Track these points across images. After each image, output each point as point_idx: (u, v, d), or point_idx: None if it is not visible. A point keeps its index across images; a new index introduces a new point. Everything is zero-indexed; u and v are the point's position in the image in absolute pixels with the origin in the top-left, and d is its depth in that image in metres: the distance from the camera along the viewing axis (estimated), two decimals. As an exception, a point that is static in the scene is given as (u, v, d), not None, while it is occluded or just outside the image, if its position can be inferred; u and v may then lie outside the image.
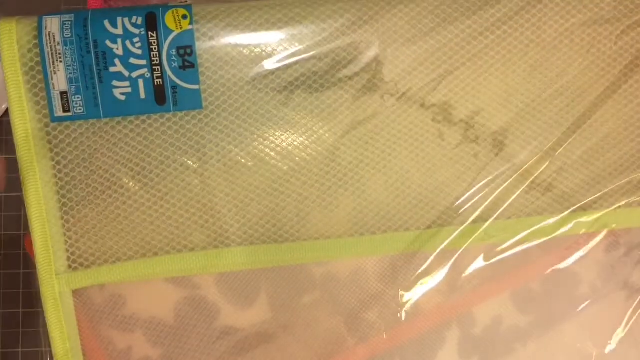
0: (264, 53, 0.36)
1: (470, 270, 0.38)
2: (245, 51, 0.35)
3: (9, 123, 0.35)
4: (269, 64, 0.36)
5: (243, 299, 0.38)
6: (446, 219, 0.38)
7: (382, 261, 0.38)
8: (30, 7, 0.42)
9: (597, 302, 0.39)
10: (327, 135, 0.37)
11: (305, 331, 0.38)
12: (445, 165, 0.38)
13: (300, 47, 0.36)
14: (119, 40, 0.34)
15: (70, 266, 0.36)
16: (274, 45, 0.36)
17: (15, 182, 0.37)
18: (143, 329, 0.37)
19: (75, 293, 0.37)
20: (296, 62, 0.36)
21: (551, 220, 0.39)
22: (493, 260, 0.38)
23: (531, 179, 0.38)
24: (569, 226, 0.39)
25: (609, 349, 0.39)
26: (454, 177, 0.38)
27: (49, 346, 0.37)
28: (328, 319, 0.38)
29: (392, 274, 0.38)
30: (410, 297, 0.38)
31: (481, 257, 0.38)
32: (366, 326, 0.38)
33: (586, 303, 0.39)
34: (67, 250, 0.36)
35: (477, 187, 0.38)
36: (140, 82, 0.35)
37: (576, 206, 0.39)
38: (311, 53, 0.36)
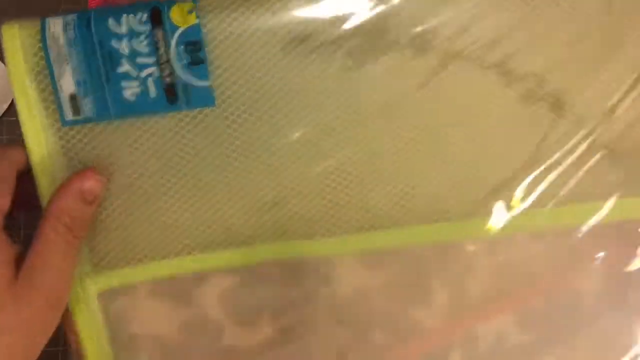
0: (276, 42, 0.33)
1: (475, 289, 0.37)
2: (256, 43, 0.33)
3: (9, 123, 0.34)
4: (282, 55, 0.34)
5: (247, 317, 0.36)
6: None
7: (388, 278, 0.36)
8: (28, 6, 0.41)
9: (609, 316, 0.37)
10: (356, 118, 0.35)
11: (309, 350, 0.37)
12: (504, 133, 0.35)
13: (317, 32, 0.33)
14: (125, 39, 0.33)
15: (94, 267, 0.36)
16: (284, 34, 0.33)
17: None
18: (147, 350, 0.36)
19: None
20: (311, 51, 0.34)
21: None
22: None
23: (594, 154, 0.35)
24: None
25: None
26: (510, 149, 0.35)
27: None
28: (333, 337, 0.37)
29: (398, 291, 0.36)
30: (416, 314, 0.37)
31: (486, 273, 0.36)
32: (371, 345, 0.37)
33: (597, 317, 0.37)
34: (90, 252, 0.36)
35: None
36: (150, 81, 0.33)
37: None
38: (348, 27, 0.34)
